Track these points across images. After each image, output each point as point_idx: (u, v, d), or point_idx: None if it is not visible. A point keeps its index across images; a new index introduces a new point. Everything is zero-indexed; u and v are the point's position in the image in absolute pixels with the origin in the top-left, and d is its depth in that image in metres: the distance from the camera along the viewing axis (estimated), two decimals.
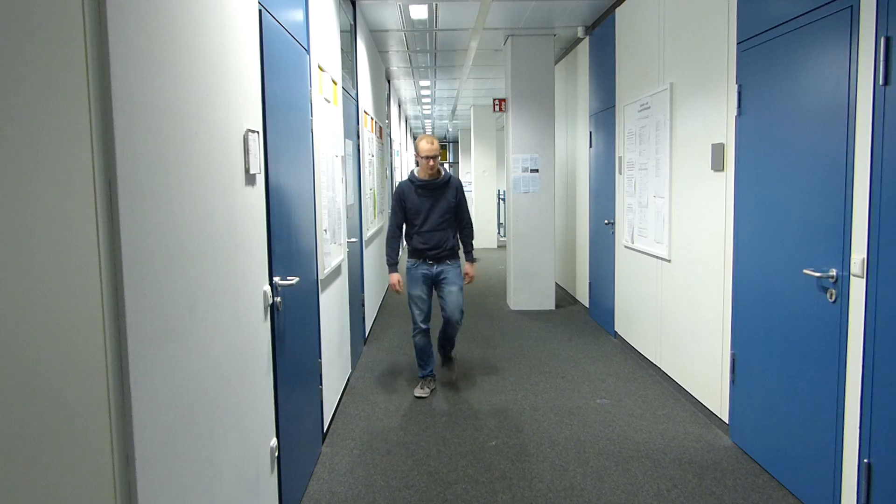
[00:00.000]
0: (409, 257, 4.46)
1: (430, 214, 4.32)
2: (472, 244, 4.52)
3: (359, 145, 5.64)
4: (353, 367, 5.04)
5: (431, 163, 4.28)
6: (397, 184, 4.08)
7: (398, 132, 12.04)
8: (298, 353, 3.04)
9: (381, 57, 8.15)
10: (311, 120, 3.43)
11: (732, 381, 3.54)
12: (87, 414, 1.24)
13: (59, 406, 1.15)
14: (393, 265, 4.45)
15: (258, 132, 2.39)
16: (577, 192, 7.51)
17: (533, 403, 4.23)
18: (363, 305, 5.75)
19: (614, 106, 5.75)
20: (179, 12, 1.70)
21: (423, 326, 4.41)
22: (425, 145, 4.28)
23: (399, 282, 4.46)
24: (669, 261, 4.47)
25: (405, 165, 14.96)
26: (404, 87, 11.00)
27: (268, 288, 2.50)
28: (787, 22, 2.96)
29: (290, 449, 2.82)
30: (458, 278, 4.42)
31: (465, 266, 4.51)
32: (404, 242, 4.67)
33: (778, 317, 3.07)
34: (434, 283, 4.43)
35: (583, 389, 4.50)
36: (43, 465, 1.11)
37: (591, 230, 6.77)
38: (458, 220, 4.47)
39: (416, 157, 4.35)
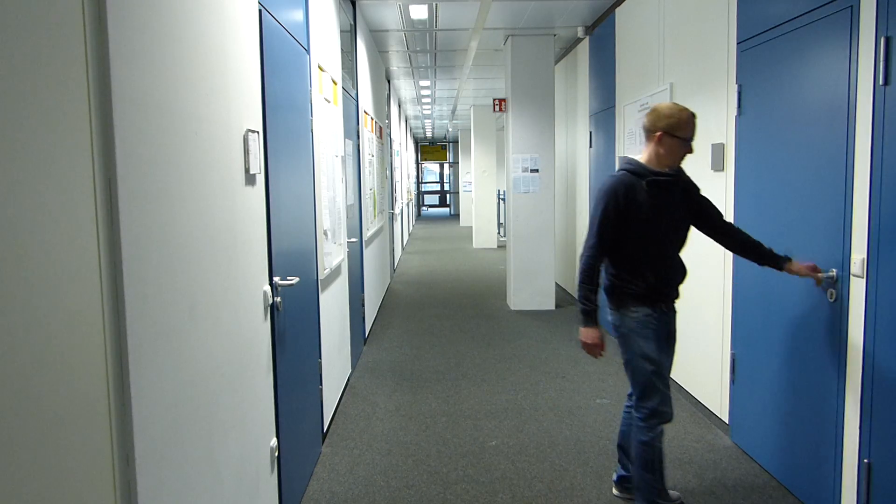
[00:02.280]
0: (634, 304, 2.67)
1: (669, 229, 2.68)
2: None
3: (359, 145, 5.65)
4: (353, 367, 5.04)
5: (692, 148, 2.66)
6: (607, 181, 2.66)
7: (398, 132, 12.04)
8: (298, 353, 3.04)
9: (381, 57, 8.15)
10: (311, 120, 3.43)
11: (732, 381, 3.54)
12: (87, 414, 1.24)
13: (60, 406, 1.15)
14: (594, 311, 2.68)
15: (258, 132, 2.39)
16: (577, 192, 7.50)
17: (533, 403, 4.23)
18: (363, 305, 5.76)
19: (614, 106, 5.74)
20: (179, 12, 1.70)
21: (672, 412, 2.69)
22: (692, 119, 2.61)
23: (602, 340, 2.70)
24: None
25: (405, 165, 14.95)
26: (404, 87, 11.00)
27: (268, 288, 2.50)
28: (787, 22, 2.95)
29: (290, 449, 2.82)
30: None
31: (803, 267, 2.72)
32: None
33: (778, 317, 3.07)
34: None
35: (583, 389, 4.50)
36: (43, 465, 1.11)
37: None
38: (717, 225, 2.84)
39: (659, 134, 2.59)
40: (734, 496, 2.98)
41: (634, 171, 2.64)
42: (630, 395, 2.83)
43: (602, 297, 2.75)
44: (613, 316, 2.75)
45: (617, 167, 2.78)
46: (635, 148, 5.15)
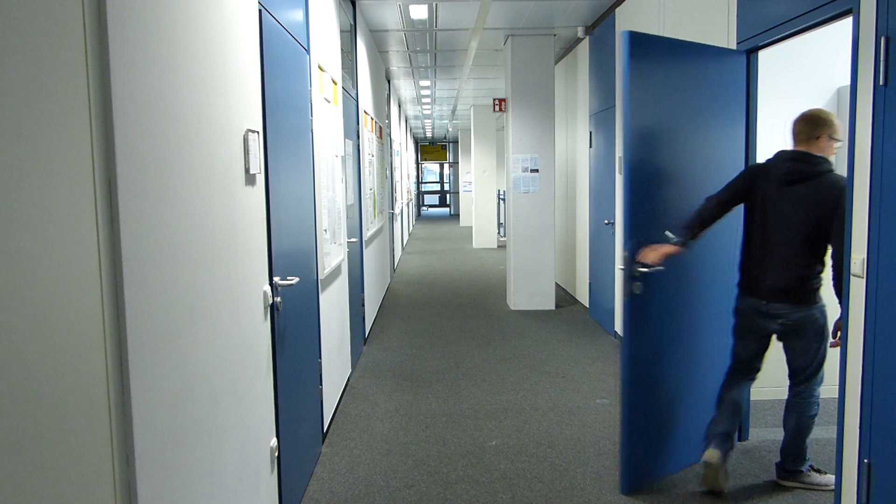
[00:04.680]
0: (820, 296, 2.95)
1: None
2: None
3: (359, 145, 5.65)
4: (353, 367, 5.04)
5: None
6: (843, 180, 2.75)
7: (398, 132, 12.04)
8: (298, 353, 3.04)
9: (381, 57, 8.15)
10: (311, 120, 3.43)
11: None
12: (87, 414, 1.24)
13: (60, 406, 1.15)
14: None
15: (258, 132, 2.39)
16: (577, 192, 7.50)
17: (533, 403, 4.23)
18: (363, 305, 5.76)
19: (614, 106, 5.74)
20: (179, 12, 1.70)
21: None
22: None
23: None
24: None
25: (405, 165, 14.95)
26: (404, 87, 11.00)
27: (268, 288, 2.50)
28: (787, 22, 2.95)
29: (290, 449, 2.83)
30: None
31: None
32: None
33: None
34: None
35: (583, 389, 4.50)
36: (43, 465, 1.11)
37: (591, 230, 6.76)
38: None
39: (825, 136, 2.89)
40: (735, 496, 2.98)
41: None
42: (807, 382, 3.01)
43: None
44: (802, 312, 2.91)
45: (814, 163, 2.84)
46: None
